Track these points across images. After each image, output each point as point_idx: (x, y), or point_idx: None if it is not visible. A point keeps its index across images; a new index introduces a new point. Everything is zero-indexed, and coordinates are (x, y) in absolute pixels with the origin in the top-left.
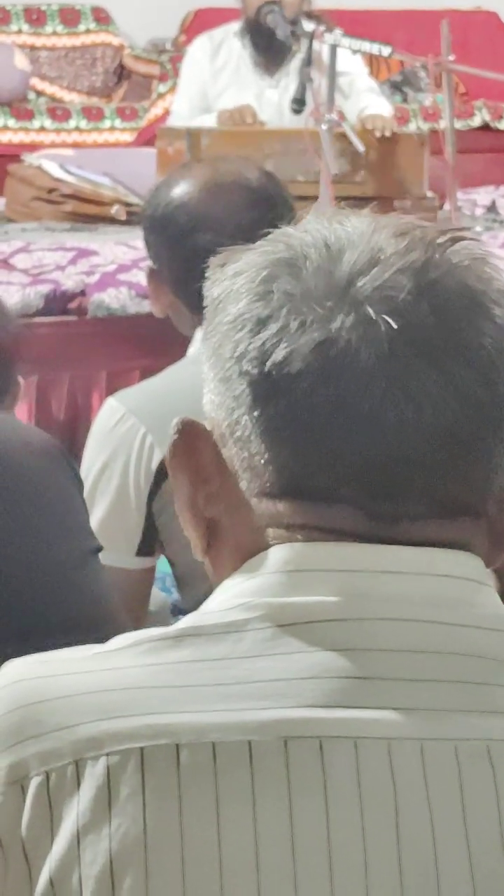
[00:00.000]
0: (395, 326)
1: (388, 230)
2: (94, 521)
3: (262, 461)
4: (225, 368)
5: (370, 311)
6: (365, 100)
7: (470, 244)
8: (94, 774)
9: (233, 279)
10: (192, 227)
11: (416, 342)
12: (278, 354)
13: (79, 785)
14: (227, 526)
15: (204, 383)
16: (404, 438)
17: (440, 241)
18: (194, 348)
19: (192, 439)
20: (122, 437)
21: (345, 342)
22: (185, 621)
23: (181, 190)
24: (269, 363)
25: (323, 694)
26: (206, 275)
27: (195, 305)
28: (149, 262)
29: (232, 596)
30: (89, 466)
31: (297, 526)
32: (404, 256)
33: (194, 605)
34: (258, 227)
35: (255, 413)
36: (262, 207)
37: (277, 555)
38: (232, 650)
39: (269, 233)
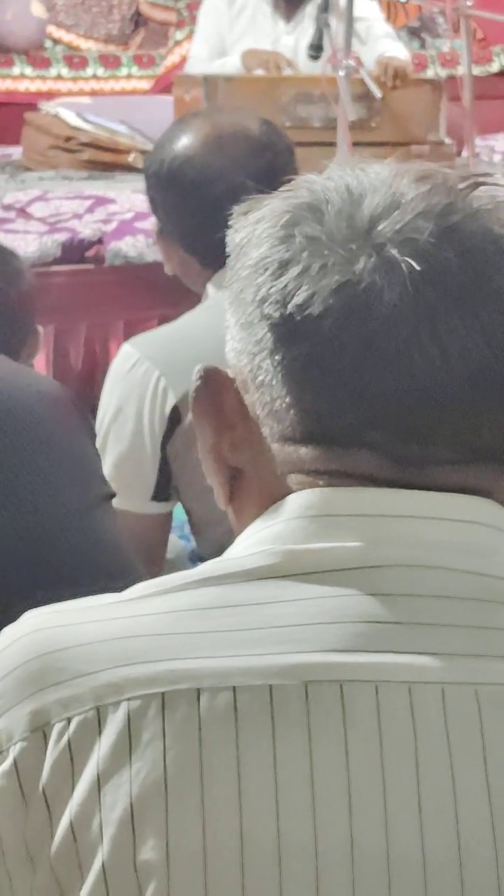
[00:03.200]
0: (417, 268)
1: (409, 176)
2: (109, 464)
3: (285, 405)
4: (247, 313)
5: (392, 252)
6: (382, 45)
7: (492, 189)
8: (114, 720)
9: (255, 225)
10: (200, 180)
11: (440, 284)
12: (300, 297)
13: (100, 731)
14: (250, 473)
15: (226, 330)
16: (430, 379)
17: (462, 186)
18: (206, 299)
19: (215, 386)
20: (136, 381)
21: (367, 283)
22: (206, 568)
23: (183, 145)
24: (290, 305)
25: (344, 638)
26: (228, 223)
27: (207, 259)
28: (155, 221)
29: (254, 542)
30: (104, 411)
31: (319, 471)
32: (425, 200)
33: (211, 551)
34: (264, 176)
35: (277, 356)
36: (265, 156)
37: (299, 500)
38: (253, 596)
39: (278, 180)
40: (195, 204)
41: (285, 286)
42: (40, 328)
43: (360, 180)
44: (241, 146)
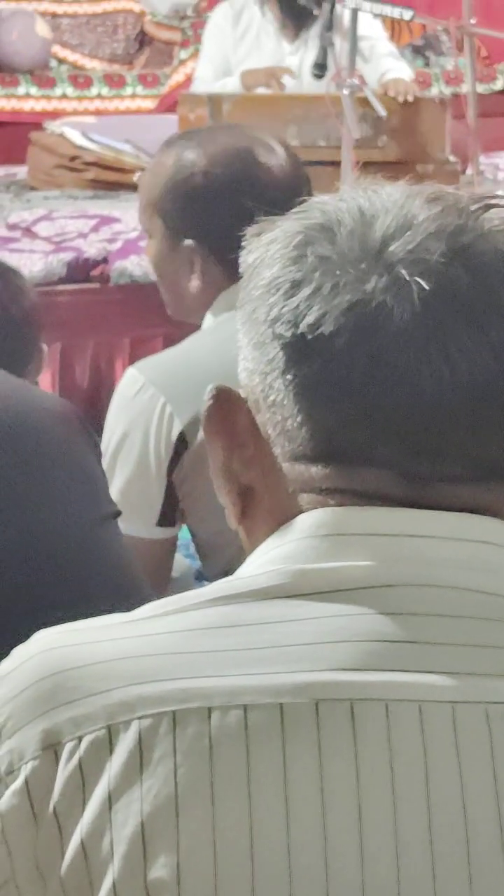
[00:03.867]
0: (427, 287)
1: (421, 197)
2: (115, 490)
3: (296, 424)
4: (259, 333)
5: (403, 272)
6: (385, 64)
7: (503, 211)
8: (126, 738)
9: (267, 246)
10: (251, 188)
11: (450, 302)
12: (311, 316)
13: (111, 749)
14: (261, 492)
15: (238, 350)
16: (440, 396)
17: (473, 207)
18: (209, 321)
19: (226, 405)
20: (141, 407)
21: (378, 302)
22: (217, 587)
23: (223, 153)
24: (302, 325)
25: (355, 657)
26: (243, 243)
27: (235, 268)
28: (175, 239)
29: (265, 562)
30: (110, 436)
31: (330, 490)
32: (437, 221)
33: (216, 576)
34: (294, 189)
35: (289, 376)
36: (300, 167)
37: (310, 520)
38: (264, 615)
39: (302, 200)
40: (233, 211)
41: (297, 306)
42: (45, 346)
43: (372, 202)
44: (274, 158)
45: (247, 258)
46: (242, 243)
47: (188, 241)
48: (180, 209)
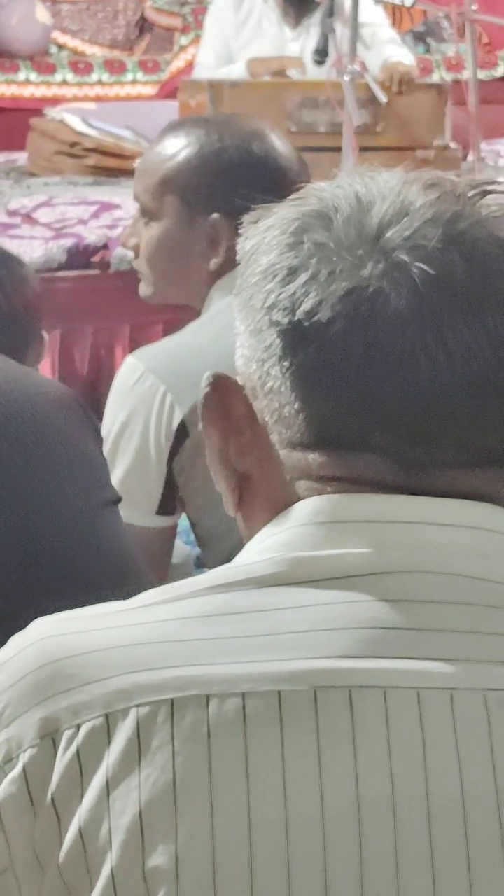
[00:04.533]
0: (424, 273)
1: (418, 184)
2: (115, 479)
3: (293, 411)
4: (256, 320)
5: (400, 258)
6: (387, 51)
7: (501, 197)
8: (124, 726)
9: (264, 233)
10: (265, 164)
11: (447, 289)
12: (308, 303)
13: (109, 737)
14: (258, 479)
15: (235, 337)
16: (436, 383)
17: (470, 193)
18: (209, 310)
19: (223, 393)
20: (141, 395)
21: (375, 289)
22: (215, 575)
23: (239, 131)
24: (298, 312)
25: (352, 644)
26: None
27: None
28: (195, 215)
29: (263, 549)
30: (110, 425)
31: (327, 477)
32: (434, 207)
33: (216, 564)
34: (300, 173)
35: (286, 363)
36: (299, 156)
37: (308, 507)
38: (261, 603)
39: (299, 188)
40: (263, 186)
41: (294, 293)
42: (45, 334)
43: (369, 188)
44: (284, 143)
45: (244, 245)
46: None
47: (215, 216)
48: (208, 184)
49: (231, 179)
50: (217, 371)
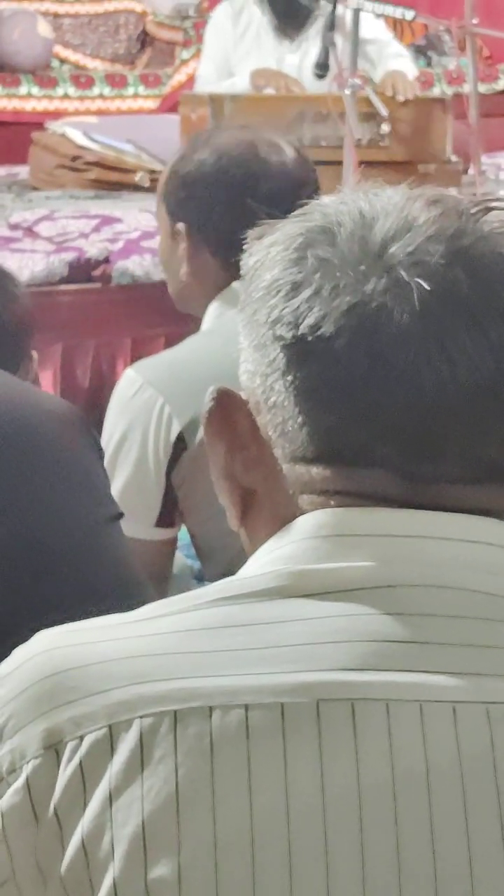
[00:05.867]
0: (427, 288)
1: (421, 200)
2: (114, 491)
3: (297, 425)
4: (259, 335)
5: (403, 274)
6: (393, 65)
7: (503, 214)
8: (127, 738)
9: (268, 248)
10: (249, 181)
11: (450, 303)
12: (311, 318)
13: (112, 749)
14: (262, 494)
15: (239, 352)
16: (440, 396)
17: (473, 210)
18: (208, 323)
19: (227, 407)
20: (140, 408)
21: (378, 304)
22: (218, 588)
23: (227, 145)
24: (302, 326)
25: (355, 657)
26: (234, 235)
27: (231, 260)
28: (170, 227)
29: (266, 563)
30: (109, 437)
31: (330, 491)
32: (437, 224)
33: (216, 577)
34: (293, 189)
35: (289, 377)
36: (307, 170)
37: (311, 521)
38: (264, 615)
39: (303, 203)
40: (241, 204)
41: (297, 307)
42: (35, 354)
43: (372, 204)
44: (288, 156)
45: (248, 261)
46: (233, 235)
47: (180, 225)
48: (175, 192)
49: (198, 190)
50: (220, 386)
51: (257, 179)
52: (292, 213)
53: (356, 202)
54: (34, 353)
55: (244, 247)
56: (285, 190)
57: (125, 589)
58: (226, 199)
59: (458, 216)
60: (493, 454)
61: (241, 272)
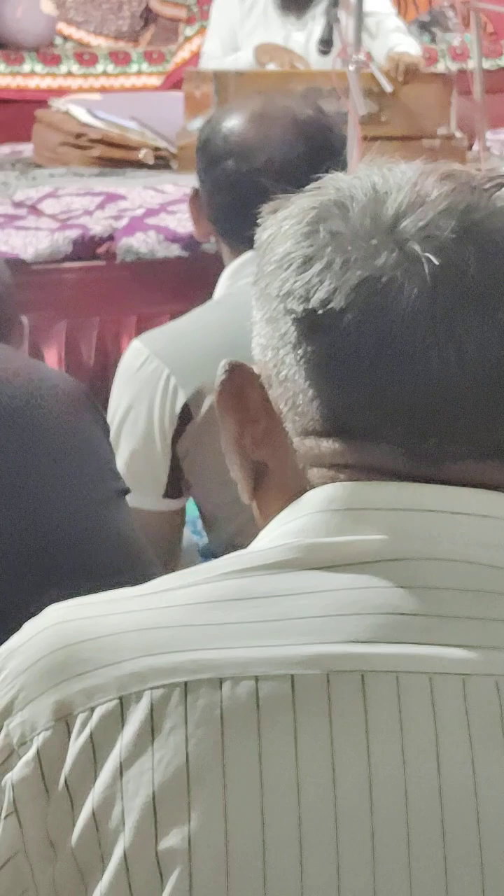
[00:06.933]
0: (437, 264)
1: (434, 175)
2: (121, 463)
3: (307, 399)
4: (271, 308)
5: (415, 248)
6: (393, 39)
7: None
8: (137, 709)
9: (282, 222)
10: (224, 152)
11: (459, 282)
12: (322, 291)
13: (123, 720)
14: (273, 468)
15: (253, 326)
16: (447, 377)
17: (486, 186)
18: (220, 291)
19: (239, 381)
20: (145, 379)
21: (388, 279)
22: (229, 561)
23: (227, 117)
24: (312, 300)
25: (365, 629)
26: (253, 207)
27: (223, 231)
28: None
29: (277, 536)
30: (115, 409)
31: (340, 465)
32: (448, 199)
33: (222, 548)
34: (293, 165)
35: (300, 351)
36: (299, 144)
37: (322, 494)
38: (275, 588)
39: (314, 175)
40: (216, 174)
41: (308, 281)
42: (25, 319)
43: (386, 179)
44: (275, 130)
45: (261, 234)
46: (230, 210)
47: (192, 188)
48: (197, 160)
49: (202, 156)
50: (232, 359)
51: (233, 155)
52: (308, 185)
53: (370, 177)
54: (24, 319)
55: (241, 223)
56: (288, 160)
57: (131, 564)
58: (206, 170)
59: (470, 191)
60: (499, 434)
61: (255, 245)
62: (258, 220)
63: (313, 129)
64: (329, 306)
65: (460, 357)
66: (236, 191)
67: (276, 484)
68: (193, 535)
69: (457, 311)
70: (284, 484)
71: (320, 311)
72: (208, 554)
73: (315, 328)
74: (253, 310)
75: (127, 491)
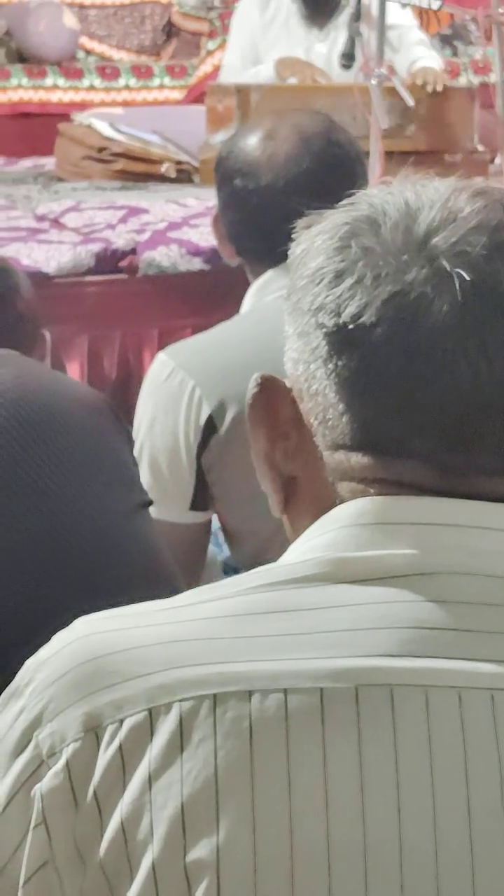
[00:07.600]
0: (468, 279)
1: (466, 192)
2: (147, 474)
3: (337, 413)
4: (303, 322)
5: (445, 264)
6: (415, 53)
7: None
8: (166, 721)
9: (314, 237)
10: (234, 171)
11: (490, 296)
12: (353, 306)
13: (152, 732)
14: (304, 482)
15: (285, 340)
16: (476, 391)
17: None
18: (246, 306)
19: (271, 394)
20: (171, 391)
21: (418, 294)
22: (258, 575)
23: (242, 136)
24: (344, 315)
25: (395, 643)
26: (270, 229)
27: (241, 251)
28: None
29: (307, 550)
30: (140, 420)
31: (369, 479)
32: (480, 215)
33: (245, 562)
34: (303, 183)
35: (331, 365)
36: (310, 161)
37: (352, 508)
38: (304, 601)
39: (330, 193)
40: (226, 193)
41: (340, 295)
42: (47, 334)
43: (418, 195)
44: (284, 149)
45: (294, 249)
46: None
47: (217, 214)
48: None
49: (220, 174)
50: (265, 373)
51: (241, 174)
52: (324, 202)
53: (403, 193)
54: (46, 334)
55: (258, 243)
56: (301, 178)
57: (155, 576)
58: (219, 189)
59: (502, 208)
60: None
61: (288, 261)
62: (275, 240)
63: (325, 145)
64: (360, 321)
65: (490, 370)
66: (250, 211)
67: (306, 498)
68: (214, 546)
69: (487, 325)
70: (315, 498)
71: (351, 326)
72: (230, 567)
73: (345, 342)
74: (285, 324)
75: (150, 503)
